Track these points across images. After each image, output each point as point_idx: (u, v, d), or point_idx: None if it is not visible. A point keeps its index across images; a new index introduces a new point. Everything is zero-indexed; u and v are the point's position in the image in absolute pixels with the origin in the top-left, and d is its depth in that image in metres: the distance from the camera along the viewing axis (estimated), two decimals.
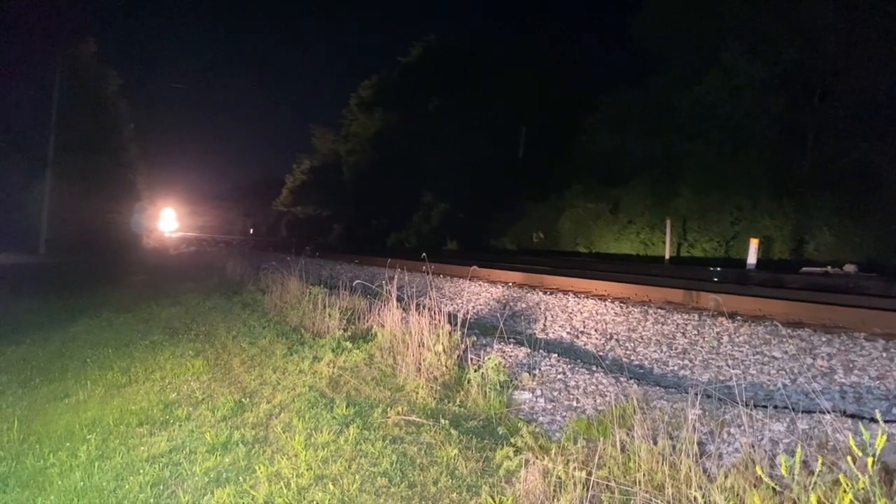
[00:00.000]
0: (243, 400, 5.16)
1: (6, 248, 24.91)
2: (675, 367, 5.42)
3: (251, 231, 70.54)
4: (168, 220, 58.21)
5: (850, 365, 4.84)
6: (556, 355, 5.41)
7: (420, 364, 5.15)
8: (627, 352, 6.00)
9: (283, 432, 4.26)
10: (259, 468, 3.73)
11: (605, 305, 7.57)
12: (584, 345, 6.42)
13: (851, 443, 2.43)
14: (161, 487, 3.76)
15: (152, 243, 34.36)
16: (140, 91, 34.08)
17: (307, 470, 3.61)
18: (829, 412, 3.29)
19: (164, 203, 55.91)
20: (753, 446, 3.02)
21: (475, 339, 5.92)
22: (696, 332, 6.14)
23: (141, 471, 4.00)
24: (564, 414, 4.22)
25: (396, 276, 6.81)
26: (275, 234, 62.29)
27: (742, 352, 5.43)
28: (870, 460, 2.33)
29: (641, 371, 5.48)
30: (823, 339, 5.41)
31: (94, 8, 28.52)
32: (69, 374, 6.85)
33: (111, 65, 30.72)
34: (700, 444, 3.21)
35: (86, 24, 27.79)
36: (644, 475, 2.98)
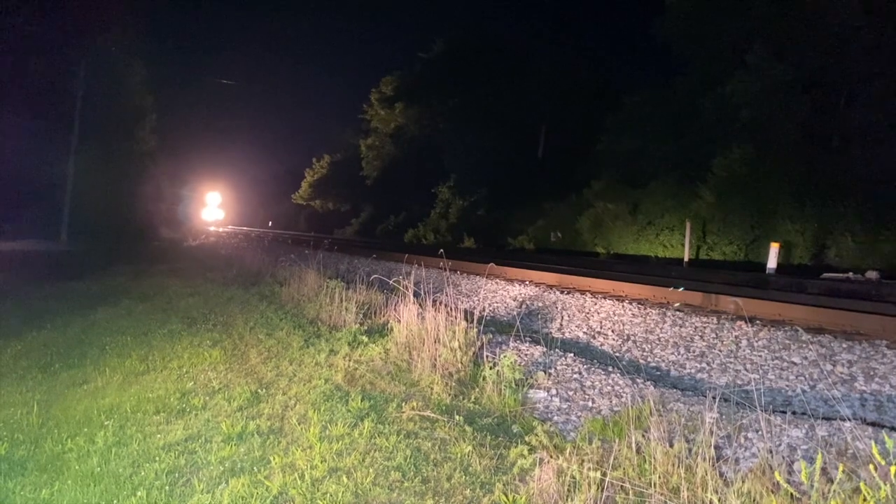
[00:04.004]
0: (259, 391, 5.19)
1: (29, 235, 25.26)
2: (693, 370, 5.37)
3: (270, 224, 70.99)
4: (212, 210, 57.78)
5: (871, 372, 4.77)
6: (572, 355, 5.38)
7: (435, 360, 5.15)
8: (644, 353, 5.96)
9: (298, 424, 4.27)
10: (274, 459, 3.75)
11: (623, 306, 7.52)
12: (601, 345, 6.39)
13: (874, 451, 2.40)
14: (176, 475, 3.79)
15: (172, 233, 34.57)
16: (164, 82, 34.03)
17: (321, 462, 3.62)
18: (849, 419, 3.25)
19: (208, 188, 55.55)
20: (771, 452, 2.99)
21: (491, 336, 5.91)
22: (714, 335, 6.09)
23: (157, 458, 4.03)
24: (580, 414, 4.20)
25: (413, 272, 6.82)
26: (294, 227, 62.65)
27: (761, 356, 5.37)
28: (892, 469, 2.30)
29: (658, 373, 5.45)
30: (844, 345, 5.34)
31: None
32: (88, 361, 6.94)
33: (137, 55, 30.90)
34: (717, 447, 3.18)
35: (113, 13, 28.00)
36: (659, 477, 2.96)
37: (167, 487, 3.64)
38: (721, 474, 2.97)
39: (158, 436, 4.46)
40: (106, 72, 28.25)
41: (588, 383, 4.68)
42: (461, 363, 5.09)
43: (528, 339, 5.92)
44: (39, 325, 8.96)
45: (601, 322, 7.14)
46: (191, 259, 20.02)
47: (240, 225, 67.52)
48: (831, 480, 2.52)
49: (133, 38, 29.78)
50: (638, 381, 4.58)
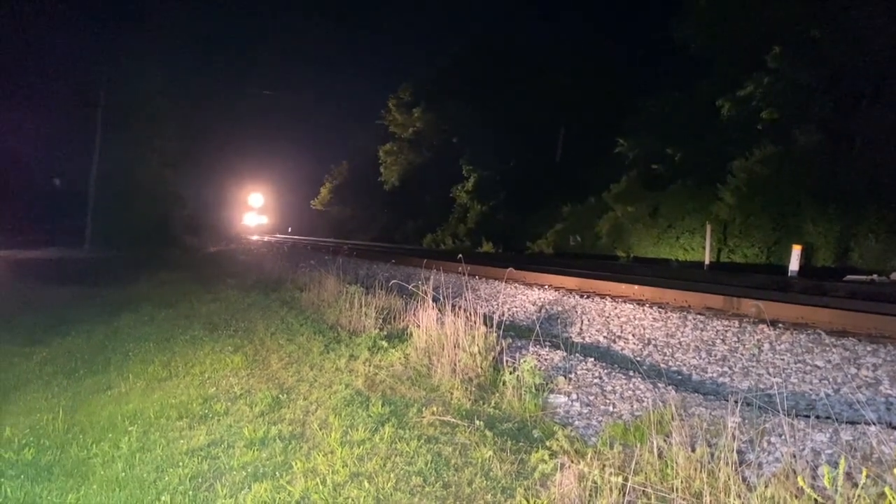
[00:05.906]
0: (281, 396, 5.22)
1: (53, 243, 25.68)
2: (715, 374, 5.34)
3: (290, 230, 71.36)
4: (254, 216, 58.08)
5: None
6: (592, 359, 5.36)
7: (455, 365, 5.15)
8: (665, 357, 5.93)
9: (320, 429, 4.30)
10: (296, 464, 3.77)
11: (643, 310, 7.48)
12: (621, 349, 6.36)
13: None
14: (200, 480, 3.83)
15: (193, 240, 34.87)
16: (191, 87, 34.14)
17: (343, 467, 3.64)
18: (874, 423, 3.21)
19: (249, 191, 55.74)
20: (795, 456, 2.96)
21: (510, 341, 5.91)
22: (736, 338, 6.04)
23: (180, 463, 4.08)
24: (600, 418, 4.18)
25: (432, 277, 6.83)
26: (313, 233, 62.94)
27: (783, 360, 5.32)
28: None
29: (680, 377, 5.41)
30: (868, 348, 5.27)
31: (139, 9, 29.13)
32: (112, 367, 7.03)
33: (157, 63, 31.24)
34: (739, 452, 3.16)
35: (135, 28, 28.47)
36: (681, 482, 2.95)
37: (191, 492, 3.68)
38: (744, 479, 2.95)
39: (182, 441, 4.51)
40: (127, 82, 28.64)
41: (609, 388, 4.66)
42: (481, 368, 5.09)
43: (547, 343, 5.91)
44: (64, 331, 9.10)
45: (621, 326, 7.11)
46: (212, 265, 20.19)
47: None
48: (856, 485, 2.50)
49: (155, 47, 30.16)
50: (659, 385, 4.55)
